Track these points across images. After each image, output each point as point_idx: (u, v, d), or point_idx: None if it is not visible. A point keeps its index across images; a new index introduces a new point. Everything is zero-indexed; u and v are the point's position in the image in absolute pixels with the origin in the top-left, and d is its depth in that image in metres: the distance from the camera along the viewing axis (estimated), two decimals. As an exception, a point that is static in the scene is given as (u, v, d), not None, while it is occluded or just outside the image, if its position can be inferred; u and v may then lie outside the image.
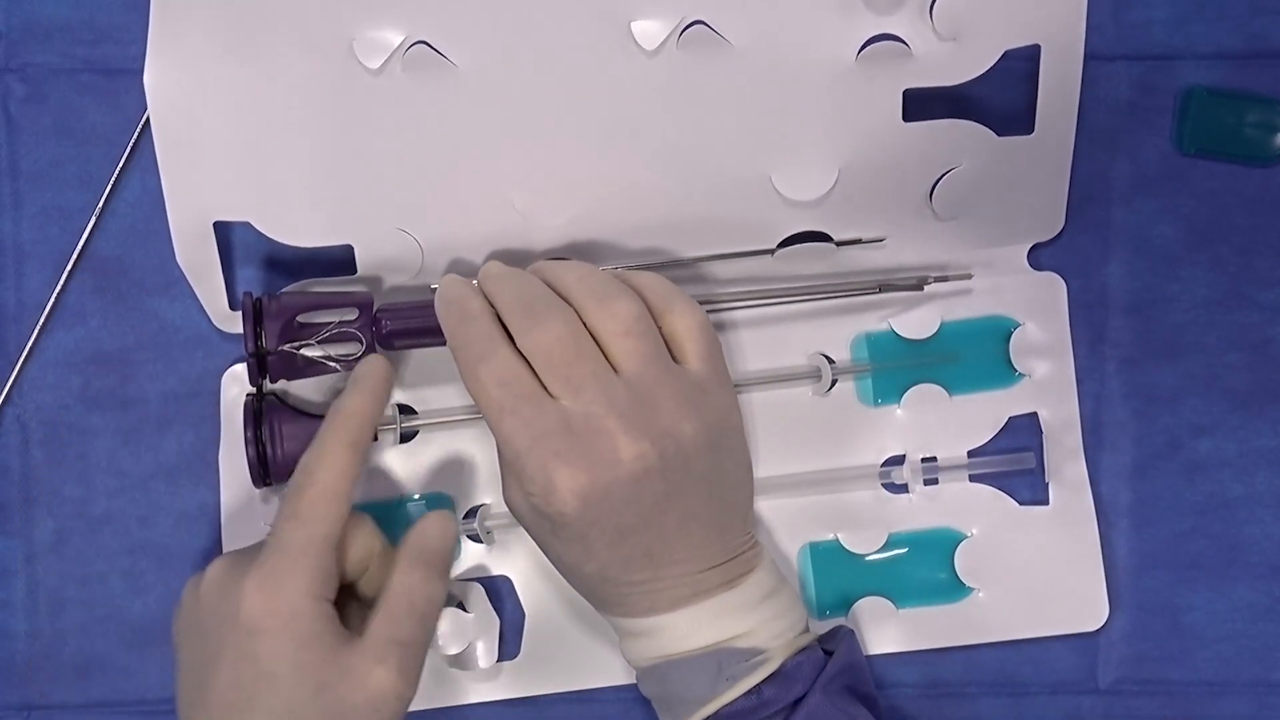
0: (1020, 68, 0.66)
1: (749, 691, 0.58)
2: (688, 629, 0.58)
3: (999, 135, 0.66)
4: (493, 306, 0.58)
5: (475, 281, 0.60)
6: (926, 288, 0.67)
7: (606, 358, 0.57)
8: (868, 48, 0.64)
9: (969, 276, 0.67)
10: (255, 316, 0.62)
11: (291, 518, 0.57)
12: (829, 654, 0.61)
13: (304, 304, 0.63)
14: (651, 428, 0.56)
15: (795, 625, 0.61)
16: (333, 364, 0.62)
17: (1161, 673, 0.70)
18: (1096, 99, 0.69)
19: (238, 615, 0.55)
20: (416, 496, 0.68)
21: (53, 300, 0.67)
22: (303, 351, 0.62)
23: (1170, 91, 0.69)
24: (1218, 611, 0.70)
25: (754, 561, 0.60)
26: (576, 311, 0.57)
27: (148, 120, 0.64)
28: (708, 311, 0.60)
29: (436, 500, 0.68)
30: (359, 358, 0.62)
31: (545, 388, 0.56)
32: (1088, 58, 0.67)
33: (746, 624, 0.59)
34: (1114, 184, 0.70)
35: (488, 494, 0.68)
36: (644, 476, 0.56)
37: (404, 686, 0.56)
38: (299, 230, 0.65)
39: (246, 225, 0.65)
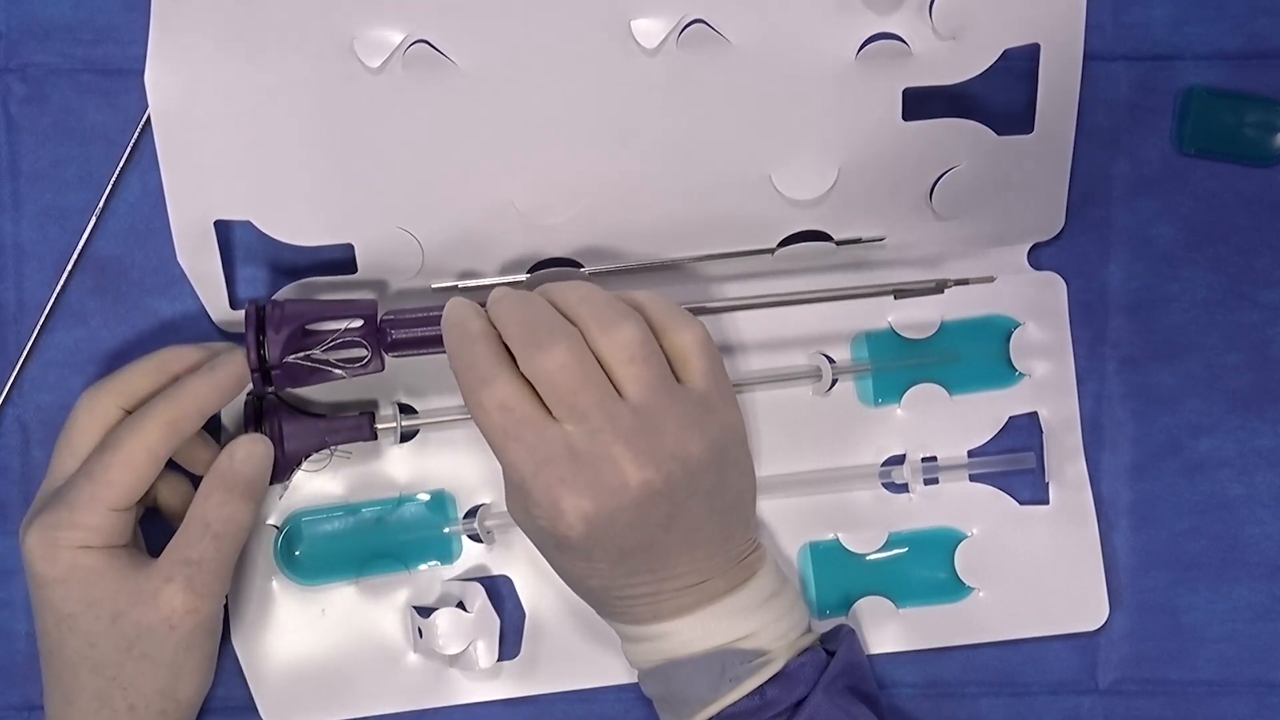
0: (1020, 67, 0.66)
1: (752, 693, 0.58)
2: (691, 634, 0.59)
3: (999, 134, 0.66)
4: (496, 329, 0.58)
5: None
6: (946, 291, 0.66)
7: (611, 380, 0.56)
8: (867, 47, 0.64)
9: (991, 280, 0.66)
10: (259, 325, 0.61)
11: (85, 475, 0.60)
12: (831, 654, 0.61)
13: (309, 313, 0.62)
14: (657, 452, 0.56)
15: (797, 626, 0.61)
16: (338, 370, 0.62)
17: (1161, 673, 0.70)
18: (1096, 99, 0.69)
19: (30, 569, 0.61)
20: (419, 495, 0.68)
21: (53, 300, 0.67)
22: (310, 359, 0.61)
23: (1170, 91, 0.69)
24: (1218, 611, 0.70)
25: (756, 565, 0.60)
26: (581, 333, 0.57)
27: (148, 120, 0.65)
28: (719, 313, 0.60)
29: (439, 498, 0.68)
30: (365, 363, 0.62)
31: (548, 410, 0.56)
32: (1088, 58, 0.67)
33: (749, 626, 0.59)
34: (1114, 184, 0.70)
35: (488, 494, 0.68)
36: (650, 501, 0.56)
37: (195, 601, 0.60)
38: (300, 230, 0.65)
39: (247, 224, 0.65)
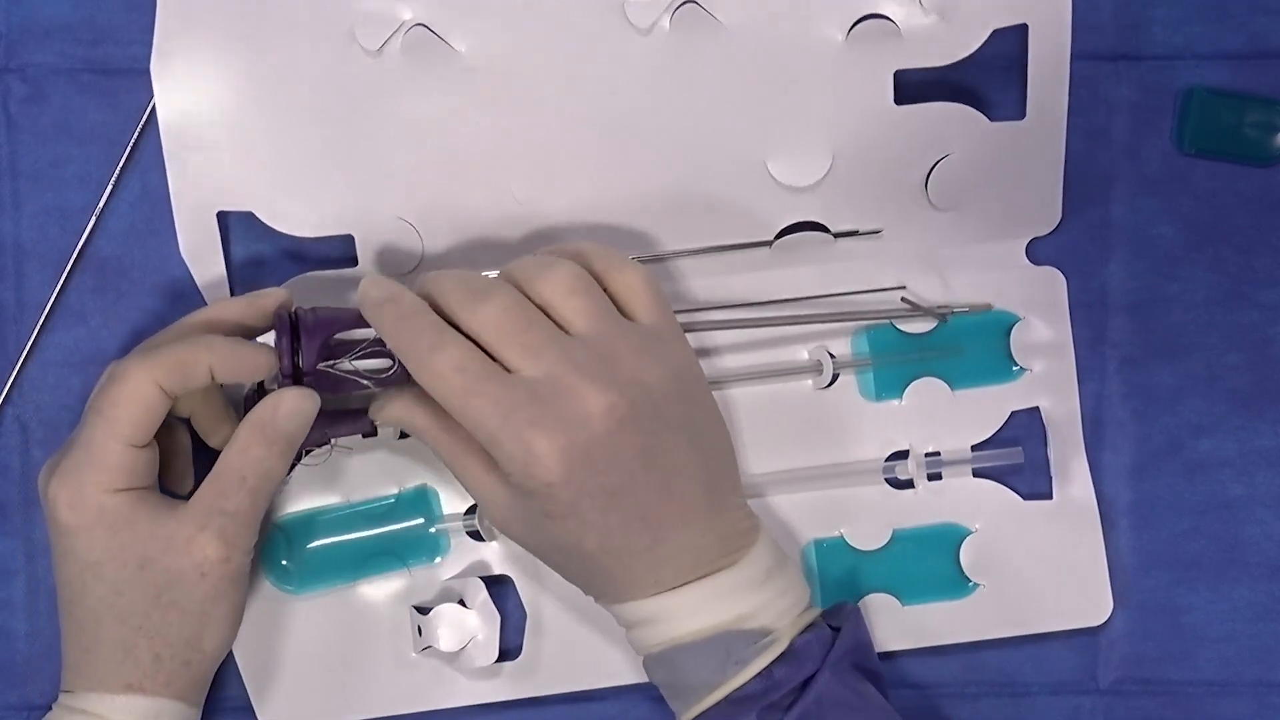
0: (1010, 60, 0.66)
1: (759, 674, 0.58)
2: (692, 609, 0.58)
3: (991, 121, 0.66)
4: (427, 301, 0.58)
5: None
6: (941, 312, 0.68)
7: (556, 324, 0.57)
8: (857, 27, 0.64)
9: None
10: (293, 332, 0.60)
11: (94, 413, 0.59)
12: (835, 629, 0.61)
13: (340, 321, 0.61)
14: (616, 379, 0.56)
15: (800, 602, 0.61)
16: (365, 382, 0.61)
17: (1161, 673, 0.70)
18: (1096, 99, 0.69)
19: (53, 517, 0.59)
20: (400, 491, 0.68)
21: (53, 300, 0.67)
22: (337, 368, 0.60)
23: (1170, 91, 0.69)
24: (1218, 611, 0.70)
25: (752, 536, 0.60)
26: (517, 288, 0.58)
27: (148, 120, 0.65)
28: (720, 329, 0.62)
29: (421, 493, 0.68)
30: (389, 375, 0.61)
31: (502, 365, 0.56)
32: (1088, 58, 0.67)
33: (751, 604, 0.59)
34: (1114, 184, 0.70)
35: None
36: (619, 429, 0.56)
37: (227, 550, 0.60)
38: (300, 221, 0.65)
39: (248, 219, 0.65)
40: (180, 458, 0.65)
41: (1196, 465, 0.70)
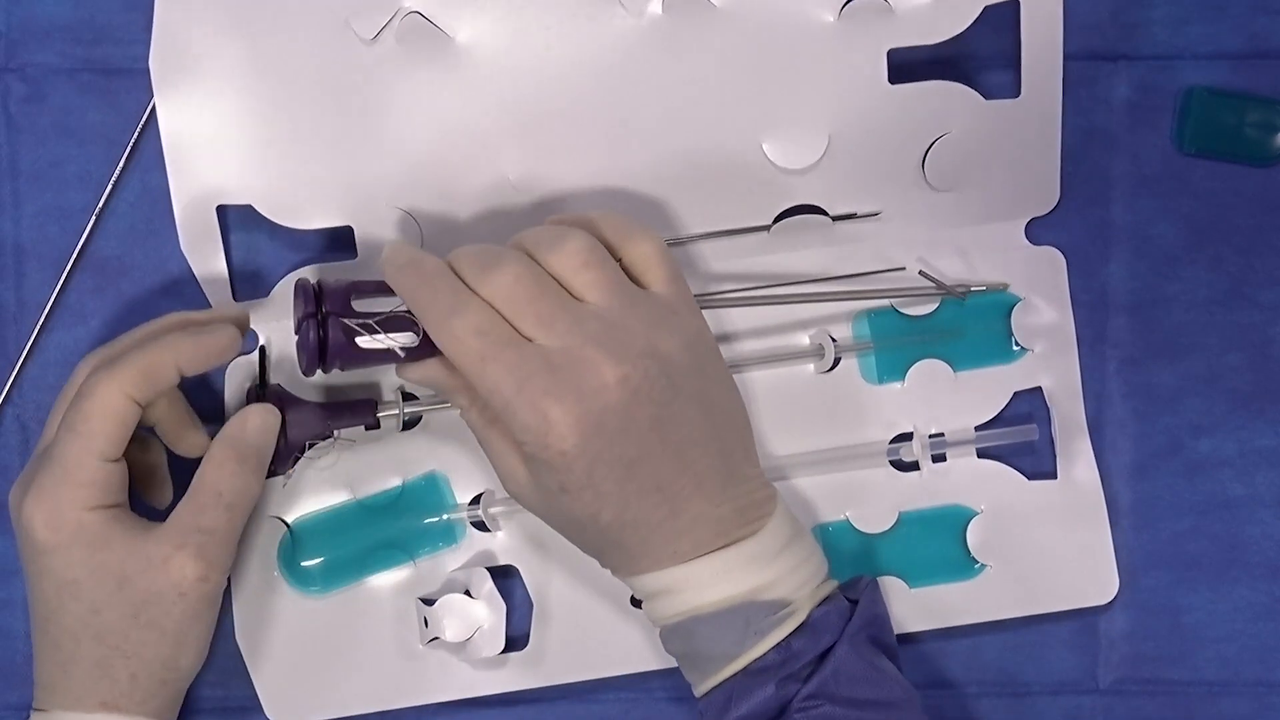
0: (1005, 35, 0.66)
1: (778, 645, 0.58)
2: (711, 579, 0.58)
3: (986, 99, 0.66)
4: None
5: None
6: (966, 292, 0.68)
7: (570, 294, 0.57)
8: (849, 5, 0.65)
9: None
10: (317, 299, 0.60)
11: (66, 429, 0.59)
12: (852, 602, 0.61)
13: (360, 288, 0.61)
14: (629, 350, 0.56)
15: (817, 573, 0.61)
16: (398, 352, 0.60)
17: (1161, 673, 0.70)
18: (1096, 99, 0.69)
19: (29, 536, 0.60)
20: (411, 481, 0.68)
21: (52, 300, 0.68)
22: (362, 332, 0.60)
23: (1170, 91, 0.69)
24: (1218, 611, 0.70)
25: (769, 506, 0.60)
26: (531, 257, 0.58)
27: (148, 120, 0.65)
28: (724, 308, 0.61)
29: (432, 480, 0.68)
30: (414, 349, 0.60)
31: (520, 335, 0.56)
32: (1087, 57, 0.67)
33: (769, 574, 0.58)
34: (1114, 184, 0.70)
35: (492, 480, 0.67)
36: (633, 399, 0.56)
37: (205, 569, 0.60)
38: (300, 213, 0.65)
39: (247, 216, 0.65)
40: (158, 472, 0.65)
41: (1196, 465, 0.70)
